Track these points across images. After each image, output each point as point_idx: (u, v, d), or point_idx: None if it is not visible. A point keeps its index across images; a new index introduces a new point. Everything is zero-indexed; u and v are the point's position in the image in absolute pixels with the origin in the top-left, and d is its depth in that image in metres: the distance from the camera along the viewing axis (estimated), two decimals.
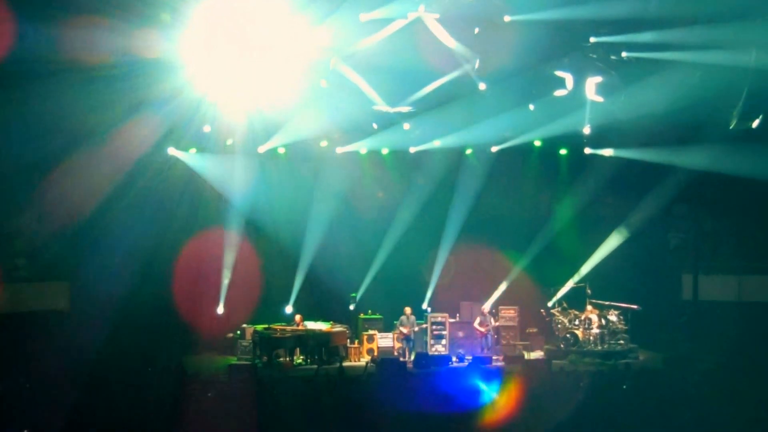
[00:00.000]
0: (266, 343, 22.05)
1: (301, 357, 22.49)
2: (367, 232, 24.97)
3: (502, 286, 24.85)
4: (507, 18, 19.78)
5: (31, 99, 19.05)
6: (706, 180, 23.37)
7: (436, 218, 25.77)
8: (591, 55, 21.72)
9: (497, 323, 23.78)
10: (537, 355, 23.20)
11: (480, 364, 19.87)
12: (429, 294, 25.06)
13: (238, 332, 23.36)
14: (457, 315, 24.13)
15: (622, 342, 23.17)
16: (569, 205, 25.62)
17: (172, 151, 23.26)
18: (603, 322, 23.24)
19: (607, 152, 24.56)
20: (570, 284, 24.59)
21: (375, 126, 24.12)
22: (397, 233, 25.27)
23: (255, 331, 22.61)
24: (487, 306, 23.88)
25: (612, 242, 24.82)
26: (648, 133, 22.76)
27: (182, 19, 18.75)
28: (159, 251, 23.02)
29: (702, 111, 20.63)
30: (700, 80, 20.12)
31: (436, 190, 25.79)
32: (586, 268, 24.67)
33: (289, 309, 24.20)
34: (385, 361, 20.52)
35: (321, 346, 22.35)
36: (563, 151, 25.66)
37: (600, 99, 22.48)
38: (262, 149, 23.94)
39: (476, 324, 23.36)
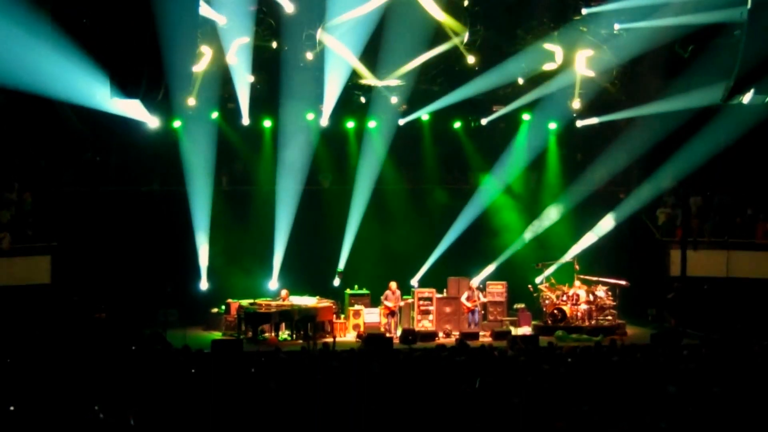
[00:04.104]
0: (251, 318, 21.88)
1: (287, 332, 22.32)
2: (353, 206, 24.78)
3: (492, 265, 24.72)
4: None
5: None
6: (695, 154, 23.26)
7: (424, 193, 25.79)
8: (582, 28, 21.61)
9: (485, 299, 23.66)
10: (524, 331, 23.09)
11: None
12: (422, 272, 24.85)
13: (223, 307, 23.22)
14: (445, 290, 23.97)
15: (610, 318, 23.11)
16: (558, 180, 25.64)
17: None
18: (591, 297, 23.15)
19: (593, 120, 24.41)
20: (559, 262, 24.39)
21: (363, 100, 23.97)
22: (383, 208, 25.22)
23: (240, 306, 22.45)
24: (474, 282, 23.76)
25: (603, 224, 24.70)
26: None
27: None
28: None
29: None
30: None
31: (424, 163, 25.82)
32: (575, 248, 24.52)
33: (273, 284, 24.03)
34: (371, 337, 20.43)
35: (307, 322, 22.17)
36: (552, 125, 25.53)
37: (591, 73, 22.38)
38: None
39: (463, 299, 23.23)
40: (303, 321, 22.11)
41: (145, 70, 18.85)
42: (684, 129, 22.56)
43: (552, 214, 25.11)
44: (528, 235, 25.15)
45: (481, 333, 22.40)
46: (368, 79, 22.95)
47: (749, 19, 17.60)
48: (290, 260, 24.26)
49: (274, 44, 21.87)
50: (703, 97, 20.92)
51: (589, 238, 24.53)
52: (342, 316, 23.39)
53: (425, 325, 23.20)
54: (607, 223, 24.71)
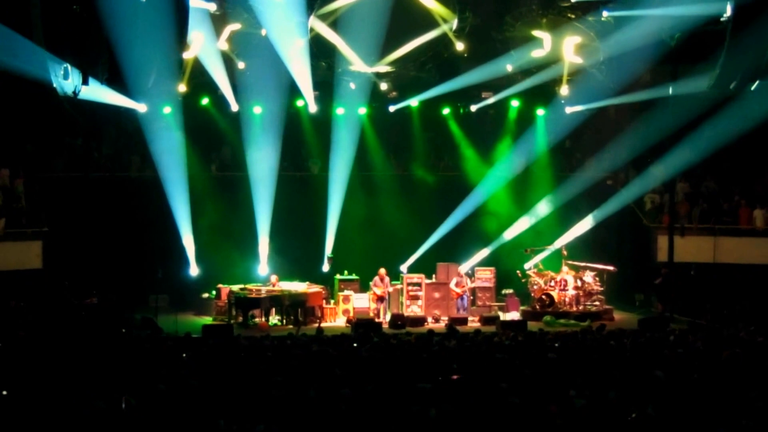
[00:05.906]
0: (242, 303, 21.99)
1: (277, 317, 22.45)
2: (342, 192, 24.86)
3: (481, 251, 24.81)
4: None
5: None
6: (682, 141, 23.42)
7: (413, 179, 25.94)
8: (570, 15, 21.71)
9: (473, 284, 23.79)
10: (513, 316, 23.24)
11: None
12: (413, 258, 24.91)
13: (214, 292, 23.31)
14: (434, 276, 24.08)
15: (597, 303, 23.27)
16: (546, 166, 25.81)
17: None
18: (579, 283, 23.31)
19: (582, 107, 24.53)
20: (548, 248, 24.46)
21: (353, 86, 24.04)
22: (373, 194, 25.37)
23: (231, 292, 22.54)
24: (463, 267, 23.87)
25: (592, 210, 24.81)
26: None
27: None
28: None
29: None
30: None
31: (413, 149, 25.95)
32: (564, 234, 24.59)
33: (263, 269, 24.10)
34: (361, 322, 20.56)
35: (297, 307, 22.30)
36: (540, 112, 25.63)
37: (579, 60, 22.51)
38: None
39: (452, 285, 23.36)
40: (293, 306, 22.24)
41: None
42: (675, 120, 22.71)
43: (541, 204, 25.21)
44: (517, 221, 25.23)
45: (470, 318, 22.57)
46: (358, 65, 23.00)
47: (735, 9, 17.75)
48: (280, 246, 24.33)
49: (264, 31, 21.89)
50: (690, 85, 21.07)
51: (577, 224, 24.63)
52: (332, 301, 23.51)
53: (414, 310, 23.33)
54: (595, 210, 24.83)
